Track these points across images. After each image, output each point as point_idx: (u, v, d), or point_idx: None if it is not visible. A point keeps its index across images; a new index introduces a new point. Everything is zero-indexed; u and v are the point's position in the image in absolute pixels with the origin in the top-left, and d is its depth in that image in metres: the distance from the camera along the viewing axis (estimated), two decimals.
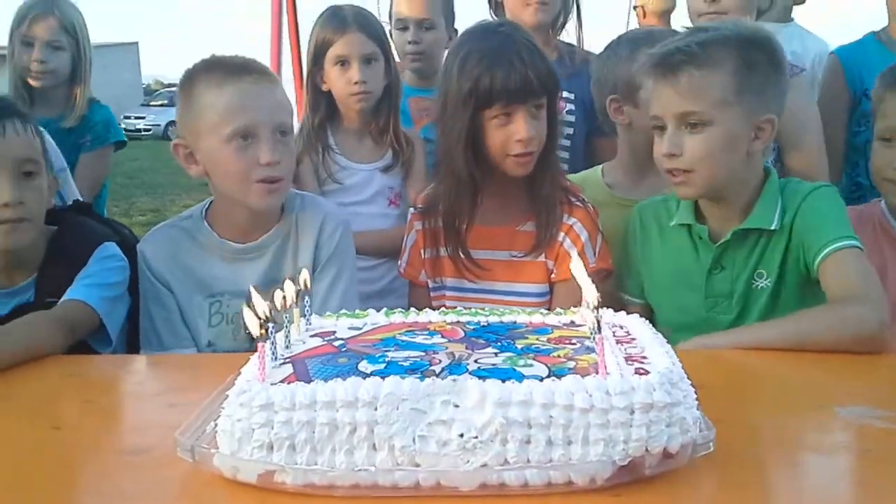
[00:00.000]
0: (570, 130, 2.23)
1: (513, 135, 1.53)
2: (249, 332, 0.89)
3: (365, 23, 2.07)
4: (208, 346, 1.57)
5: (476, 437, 0.79)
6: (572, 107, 2.23)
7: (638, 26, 3.78)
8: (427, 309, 1.13)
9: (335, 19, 2.08)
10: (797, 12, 3.12)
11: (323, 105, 2.08)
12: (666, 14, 3.76)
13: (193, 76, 1.57)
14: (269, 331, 0.89)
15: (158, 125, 21.23)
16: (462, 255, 1.61)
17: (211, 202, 1.65)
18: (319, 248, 1.62)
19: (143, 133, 20.47)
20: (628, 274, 1.66)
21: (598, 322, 0.86)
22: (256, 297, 0.92)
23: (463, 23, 2.30)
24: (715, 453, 0.85)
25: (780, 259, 1.47)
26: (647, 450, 0.80)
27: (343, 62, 2.04)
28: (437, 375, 0.84)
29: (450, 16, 2.42)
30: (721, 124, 1.42)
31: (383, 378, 0.82)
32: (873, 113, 1.65)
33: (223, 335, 1.57)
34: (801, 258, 1.45)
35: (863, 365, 1.20)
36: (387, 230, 2.03)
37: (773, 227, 1.46)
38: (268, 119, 1.52)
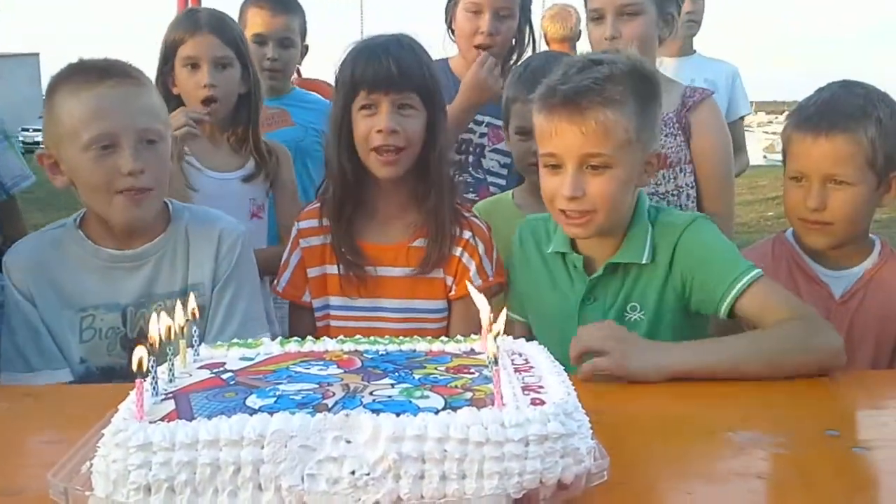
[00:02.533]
0: (508, 160, 2.18)
1: (374, 125, 1.53)
2: (126, 348, 0.86)
3: (220, 26, 1.99)
4: (80, 363, 1.47)
5: (368, 474, 0.77)
6: None
7: None
8: (325, 337, 1.10)
9: (188, 20, 2.01)
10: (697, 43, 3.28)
11: (173, 108, 1.94)
12: (566, 41, 3.84)
13: (55, 82, 1.47)
14: (150, 365, 0.84)
15: None
16: (352, 265, 1.58)
17: (86, 211, 1.54)
18: (219, 263, 1.54)
19: (41, 146, 19.52)
20: (511, 292, 1.64)
21: (496, 355, 0.84)
22: (153, 323, 0.89)
23: None
24: (609, 482, 0.85)
25: (658, 294, 1.45)
26: (541, 481, 0.79)
27: (193, 64, 1.95)
28: (330, 410, 0.82)
29: (304, 31, 2.41)
30: (623, 165, 1.39)
31: (272, 414, 0.78)
32: (783, 152, 1.64)
33: (96, 351, 1.47)
34: (684, 295, 1.43)
35: (754, 390, 1.22)
36: (265, 249, 1.92)
37: (643, 262, 1.44)
38: (129, 125, 1.42)
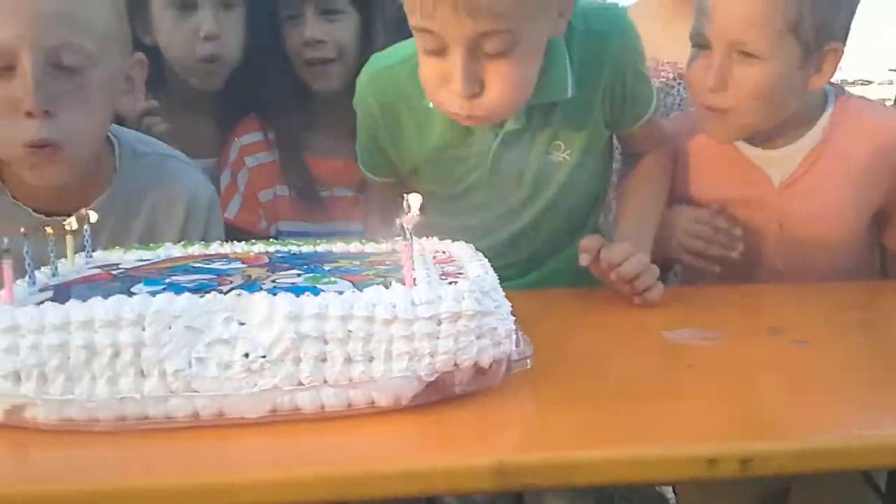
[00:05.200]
0: None
1: (301, 36, 1.42)
2: None
3: None
4: None
5: (264, 357, 0.70)
6: None
7: None
8: (234, 241, 1.02)
9: None
10: None
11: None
12: None
13: None
14: (25, 252, 0.76)
15: None
16: (303, 185, 1.45)
17: None
18: (188, 234, 1.20)
19: None
20: (375, 161, 1.28)
21: (405, 228, 0.77)
22: None
23: None
24: (533, 373, 0.79)
25: (586, 127, 1.20)
26: (455, 364, 0.73)
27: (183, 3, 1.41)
28: (223, 294, 0.74)
29: None
30: (526, 36, 1.02)
31: (154, 295, 0.71)
32: (696, 14, 1.21)
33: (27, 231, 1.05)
34: (609, 120, 1.22)
35: (690, 296, 1.18)
36: None
37: (569, 95, 1.15)
38: (31, 36, 1.00)
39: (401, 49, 1.17)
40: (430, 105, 1.12)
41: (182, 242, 0.99)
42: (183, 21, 1.41)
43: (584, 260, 1.13)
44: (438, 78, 1.04)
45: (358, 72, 1.24)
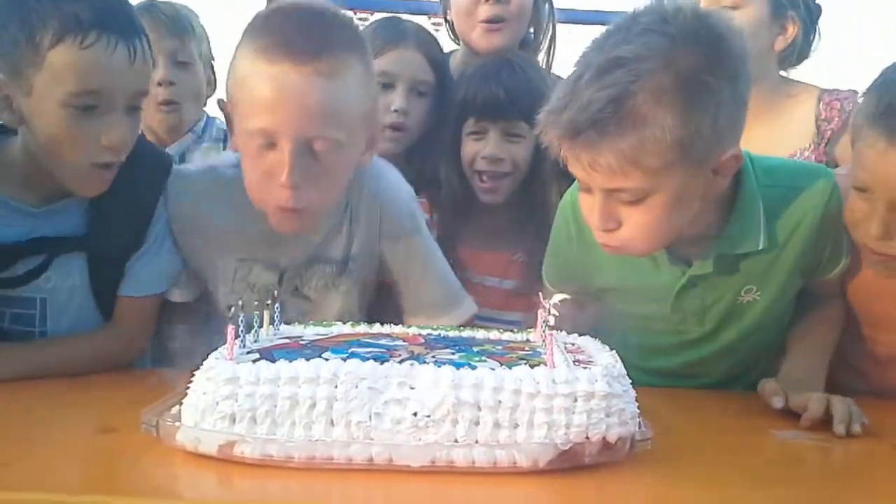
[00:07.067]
0: None
1: (481, 151, 1.61)
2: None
3: (428, 42, 1.72)
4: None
5: (429, 416, 0.85)
6: None
7: None
8: (390, 325, 1.19)
9: (392, 28, 1.72)
10: None
11: None
12: None
13: (250, 25, 1.24)
14: (240, 318, 0.94)
15: None
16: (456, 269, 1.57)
17: None
18: (383, 235, 1.39)
19: None
20: (560, 274, 1.42)
21: (547, 321, 0.92)
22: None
23: None
24: (654, 452, 0.90)
25: (785, 277, 1.27)
26: (587, 437, 0.86)
27: (386, 83, 1.65)
28: (398, 363, 0.90)
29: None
30: (667, 189, 1.10)
31: (344, 360, 0.87)
32: (852, 144, 1.20)
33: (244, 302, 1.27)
34: (805, 272, 1.30)
35: None
36: None
37: (760, 248, 1.22)
38: (293, 128, 1.16)
39: None
40: None
41: (350, 322, 1.17)
42: (381, 97, 1.61)
43: (777, 403, 1.13)
44: (588, 213, 1.17)
45: (525, 184, 1.48)
